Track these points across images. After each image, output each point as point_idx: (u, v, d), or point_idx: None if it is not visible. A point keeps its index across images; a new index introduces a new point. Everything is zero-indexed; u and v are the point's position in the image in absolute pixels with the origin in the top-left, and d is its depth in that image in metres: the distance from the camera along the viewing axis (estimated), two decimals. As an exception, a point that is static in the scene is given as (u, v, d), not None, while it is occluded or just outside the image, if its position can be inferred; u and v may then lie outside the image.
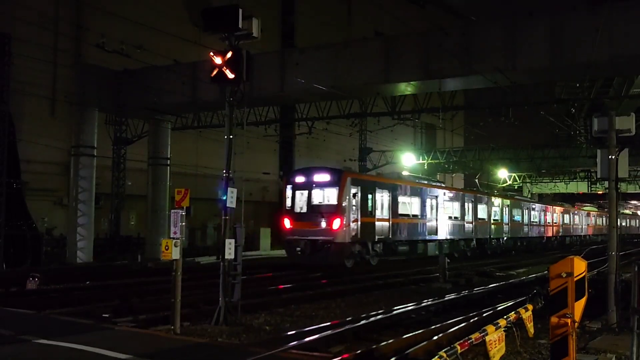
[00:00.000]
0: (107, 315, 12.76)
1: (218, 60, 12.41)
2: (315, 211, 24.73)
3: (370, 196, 26.20)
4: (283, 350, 9.06)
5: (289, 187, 25.94)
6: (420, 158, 49.47)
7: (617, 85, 35.27)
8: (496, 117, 28.38)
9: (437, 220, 31.59)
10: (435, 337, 10.27)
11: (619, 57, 18.71)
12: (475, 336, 7.00)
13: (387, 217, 27.27)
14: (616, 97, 33.93)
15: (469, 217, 35.11)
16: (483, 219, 37.17)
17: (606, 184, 12.77)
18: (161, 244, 10.93)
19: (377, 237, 26.50)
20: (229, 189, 12.21)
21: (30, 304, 13.80)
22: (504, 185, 60.92)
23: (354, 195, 25.05)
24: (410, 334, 10.70)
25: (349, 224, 24.58)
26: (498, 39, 20.64)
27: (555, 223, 52.61)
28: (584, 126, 45.54)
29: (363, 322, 12.03)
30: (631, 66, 20.20)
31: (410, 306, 14.24)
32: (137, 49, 24.37)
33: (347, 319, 12.40)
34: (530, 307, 9.34)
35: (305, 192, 25.23)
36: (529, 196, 59.83)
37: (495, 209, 38.98)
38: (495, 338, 7.19)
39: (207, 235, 37.85)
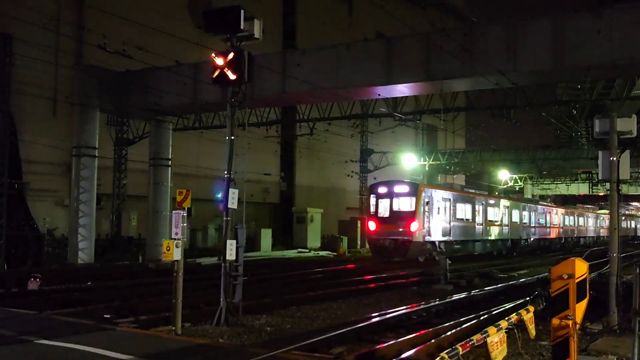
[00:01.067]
0: (108, 316, 12.76)
1: (220, 61, 12.42)
2: (396, 216, 30.02)
3: (437, 204, 31.53)
4: (284, 352, 9.06)
5: (372, 196, 31.48)
6: (422, 159, 49.51)
7: (619, 87, 35.23)
8: (497, 118, 28.36)
9: (483, 223, 36.77)
10: (437, 339, 10.27)
11: (620, 59, 18.68)
12: (476, 337, 7.01)
13: (449, 221, 32.65)
14: (618, 98, 33.89)
15: (505, 220, 40.11)
16: (516, 223, 42.06)
17: (607, 185, 12.76)
18: (162, 245, 10.93)
19: (442, 237, 31.75)
20: (230, 190, 12.21)
21: (31, 305, 13.80)
22: (505, 186, 60.92)
23: (427, 203, 30.49)
24: (412, 336, 10.70)
25: (423, 227, 30.01)
26: (500, 40, 20.63)
27: (572, 225, 56.98)
28: (585, 128, 45.47)
29: (364, 323, 12.02)
30: (633, 68, 20.17)
31: (411, 307, 14.23)
32: (138, 49, 24.34)
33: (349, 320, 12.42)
34: (531, 308, 9.34)
35: (387, 200, 30.59)
36: (531, 197, 60.02)
37: (525, 213, 44.05)
38: (496, 340, 7.20)
39: (208, 236, 37.85)
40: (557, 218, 52.08)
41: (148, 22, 26.47)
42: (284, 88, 23.93)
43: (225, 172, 12.45)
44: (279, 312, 14.09)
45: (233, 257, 12.10)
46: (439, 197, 31.89)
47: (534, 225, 45.71)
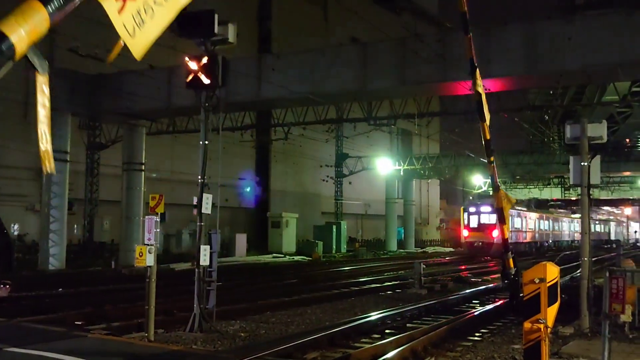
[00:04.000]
0: (79, 323, 12.58)
1: (193, 65, 12.34)
2: (482, 226, 43.58)
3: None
4: (258, 357, 9.01)
5: (465, 213, 45.78)
6: (397, 164, 49.75)
7: (590, 93, 35.74)
8: (471, 123, 28.62)
9: (526, 231, 50.96)
10: (411, 343, 10.30)
11: (591, 65, 18.96)
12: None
13: (511, 230, 44.23)
14: (589, 104, 34.39)
15: (536, 228, 54.45)
16: (541, 229, 56.15)
17: (579, 190, 12.92)
18: (135, 251, 10.81)
19: (510, 240, 41.39)
20: (204, 195, 12.14)
21: (0, 312, 13.55)
22: (479, 191, 61.44)
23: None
24: (386, 340, 10.72)
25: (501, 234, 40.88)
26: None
27: (578, 231, 65.16)
28: (557, 133, 46.17)
29: (338, 328, 12.00)
30: (603, 74, 20.47)
31: (385, 312, 14.25)
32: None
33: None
34: None
35: (476, 216, 44.58)
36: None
37: (546, 222, 57.63)
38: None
39: (182, 241, 37.59)
40: (566, 225, 64.98)
41: (121, 26, 26.22)
42: (258, 92, 23.87)
43: (199, 176, 12.37)
44: (253, 318, 14.02)
45: (207, 263, 12.01)
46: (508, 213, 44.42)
47: (551, 231, 59.88)
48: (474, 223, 44.82)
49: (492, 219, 41.70)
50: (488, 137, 7.33)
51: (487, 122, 7.24)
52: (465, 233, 45.90)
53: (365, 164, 48.97)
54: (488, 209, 43.40)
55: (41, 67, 1.65)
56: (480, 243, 43.78)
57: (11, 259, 25.01)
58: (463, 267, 32.80)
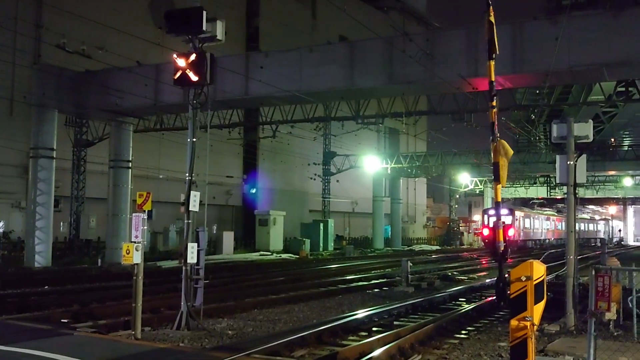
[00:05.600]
0: (66, 321, 12.52)
1: (181, 62, 12.30)
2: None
3: (519, 219, 53.64)
4: (246, 355, 9.02)
5: (485, 215, 56.44)
6: (384, 162, 49.87)
7: (576, 93, 36.01)
8: (458, 122, 28.72)
9: (532, 230, 60.55)
10: (398, 341, 10.34)
11: (577, 66, 19.09)
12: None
13: (522, 228, 55.61)
14: (575, 104, 34.64)
15: (539, 227, 63.61)
16: (545, 229, 65.01)
17: (565, 188, 13.02)
18: (122, 248, 10.76)
19: (520, 237, 53.31)
20: (191, 192, 12.11)
21: (-14, 310, 13.47)
22: (466, 189, 61.77)
23: (516, 219, 50.68)
24: (373, 338, 10.75)
25: (515, 232, 46.66)
26: (461, 46, 20.86)
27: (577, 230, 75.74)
28: (543, 132, 46.47)
29: (326, 326, 12.01)
30: (589, 74, 20.60)
31: (372, 309, 14.28)
32: (98, 49, 24.03)
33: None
34: None
35: (494, 217, 49.30)
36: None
37: (546, 222, 66.37)
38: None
39: (169, 239, 37.46)
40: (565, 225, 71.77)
41: (108, 22, 26.11)
42: (246, 90, 23.82)
43: (187, 174, 12.34)
44: (240, 316, 14.02)
45: (194, 260, 11.99)
46: (519, 215, 54.73)
47: (552, 229, 68.54)
48: (493, 223, 55.09)
49: (510, 219, 51.59)
50: (493, 78, 7.19)
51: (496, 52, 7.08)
52: (485, 232, 54.06)
53: (352, 162, 49.04)
54: (505, 211, 52.84)
55: None
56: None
57: (-4, 256, 24.88)
58: (484, 261, 36.30)
